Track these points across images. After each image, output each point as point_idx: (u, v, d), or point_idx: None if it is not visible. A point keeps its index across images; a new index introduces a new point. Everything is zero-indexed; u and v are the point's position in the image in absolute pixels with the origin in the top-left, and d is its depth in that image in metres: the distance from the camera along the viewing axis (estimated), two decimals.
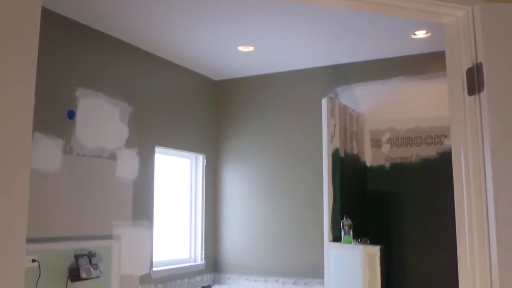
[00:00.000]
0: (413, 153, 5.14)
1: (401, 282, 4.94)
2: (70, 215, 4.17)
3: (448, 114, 1.82)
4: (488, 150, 1.55)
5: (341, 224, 4.29)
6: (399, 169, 5.17)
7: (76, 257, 4.07)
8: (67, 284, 3.99)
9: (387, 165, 5.24)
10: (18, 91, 1.45)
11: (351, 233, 4.24)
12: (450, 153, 1.77)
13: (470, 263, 1.62)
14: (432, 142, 5.06)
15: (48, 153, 4.04)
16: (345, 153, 4.79)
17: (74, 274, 4.00)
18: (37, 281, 3.74)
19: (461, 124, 1.69)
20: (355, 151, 5.10)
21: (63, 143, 4.18)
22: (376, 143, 5.31)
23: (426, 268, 4.88)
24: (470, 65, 1.65)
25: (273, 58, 5.47)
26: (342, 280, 4.19)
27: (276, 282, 5.61)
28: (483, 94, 1.58)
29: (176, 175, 5.79)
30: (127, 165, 4.80)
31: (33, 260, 3.72)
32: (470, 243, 1.63)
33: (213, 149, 6.14)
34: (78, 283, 4.04)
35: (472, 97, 1.64)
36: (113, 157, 4.64)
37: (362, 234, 4.23)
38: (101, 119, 4.57)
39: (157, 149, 5.24)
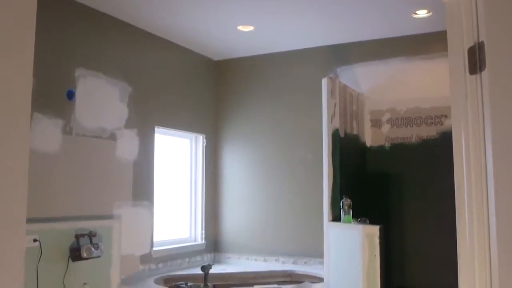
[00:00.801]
0: (413, 134, 5.13)
1: (400, 262, 4.98)
2: (70, 195, 4.19)
3: (448, 94, 1.81)
4: (488, 130, 1.54)
5: (341, 204, 4.31)
6: (399, 150, 5.18)
7: (77, 236, 4.09)
8: (68, 263, 4.02)
9: (387, 145, 5.24)
10: (16, 71, 1.44)
11: (351, 212, 4.26)
12: (450, 133, 1.77)
13: (469, 243, 1.63)
14: (432, 123, 5.06)
15: (48, 133, 4.04)
16: (345, 133, 4.79)
17: (75, 254, 4.03)
18: (39, 260, 3.76)
19: (462, 104, 1.68)
20: (355, 132, 5.10)
21: (63, 123, 4.18)
22: (376, 123, 5.31)
23: (425, 247, 4.91)
24: (471, 44, 1.64)
25: (273, 38, 5.43)
26: (341, 259, 4.22)
27: (276, 261, 5.65)
28: (484, 73, 1.57)
29: (176, 155, 5.80)
30: (127, 145, 4.80)
31: (34, 240, 3.74)
32: (469, 223, 1.63)
33: (213, 129, 6.13)
34: (79, 263, 4.07)
35: (473, 76, 1.63)
36: (113, 137, 4.64)
37: (361, 214, 4.25)
38: (101, 99, 4.56)
39: (157, 129, 5.23)
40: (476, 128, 1.61)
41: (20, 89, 1.47)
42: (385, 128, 5.27)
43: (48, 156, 4.03)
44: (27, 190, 1.47)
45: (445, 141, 4.80)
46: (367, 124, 5.34)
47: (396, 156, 5.17)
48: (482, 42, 1.58)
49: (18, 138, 1.44)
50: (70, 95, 4.25)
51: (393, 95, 5.25)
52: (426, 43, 5.10)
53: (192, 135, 5.94)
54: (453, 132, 1.75)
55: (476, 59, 1.61)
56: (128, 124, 4.83)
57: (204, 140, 6.00)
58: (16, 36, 1.44)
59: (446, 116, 4.95)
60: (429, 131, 5.06)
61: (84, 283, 4.17)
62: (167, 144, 5.60)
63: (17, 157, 1.44)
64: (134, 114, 4.89)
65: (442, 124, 5.00)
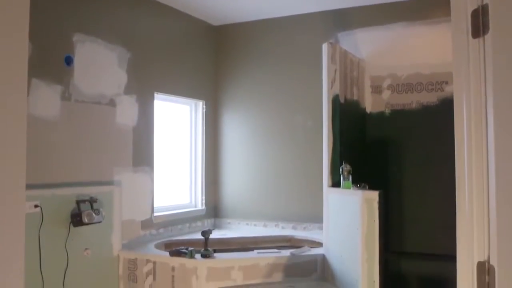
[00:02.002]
0: (413, 100, 5.11)
1: (399, 227, 5.02)
2: (70, 161, 4.19)
3: (449, 60, 1.79)
4: (490, 95, 1.53)
5: (341, 170, 4.32)
6: (399, 116, 5.16)
7: (78, 202, 4.11)
8: (69, 228, 4.05)
9: (387, 111, 5.22)
10: (12, 36, 1.42)
11: (350, 178, 4.27)
12: (451, 99, 1.75)
13: (468, 208, 1.63)
14: (433, 89, 5.03)
15: (47, 99, 4.02)
16: (345, 99, 4.76)
17: (76, 219, 4.06)
18: (40, 226, 3.79)
19: (464, 67, 1.66)
20: (355, 97, 5.07)
21: (61, 89, 4.15)
22: (377, 89, 5.28)
23: (424, 213, 4.94)
24: (475, 7, 1.61)
25: (273, 2, 5.36)
26: (341, 224, 4.25)
27: (276, 226, 5.70)
28: (488, 36, 1.55)
29: (176, 121, 5.79)
30: (127, 111, 4.78)
31: (36, 206, 3.76)
32: (469, 189, 1.64)
33: (212, 95, 6.10)
34: (80, 228, 4.10)
35: (476, 40, 1.61)
36: (112, 103, 4.62)
37: (361, 180, 4.26)
38: (99, 65, 4.52)
39: (156, 95, 5.21)
40: (478, 92, 1.60)
41: (16, 54, 1.45)
42: (386, 94, 5.24)
43: (48, 122, 4.02)
44: (25, 155, 1.47)
45: (445, 107, 4.78)
46: (368, 90, 5.31)
47: (396, 122, 5.16)
48: (486, 4, 1.56)
49: (15, 102, 1.43)
50: (69, 60, 4.21)
51: (394, 61, 5.21)
52: (428, 8, 5.03)
53: (192, 101, 5.92)
54: (454, 95, 1.74)
55: (479, 22, 1.59)
56: (127, 90, 4.80)
57: (204, 106, 5.98)
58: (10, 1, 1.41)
59: (447, 83, 4.92)
60: (430, 97, 5.04)
61: (86, 248, 4.21)
62: (167, 110, 5.58)
63: (15, 122, 1.44)
64: (133, 80, 4.86)
65: (443, 91, 4.97)
